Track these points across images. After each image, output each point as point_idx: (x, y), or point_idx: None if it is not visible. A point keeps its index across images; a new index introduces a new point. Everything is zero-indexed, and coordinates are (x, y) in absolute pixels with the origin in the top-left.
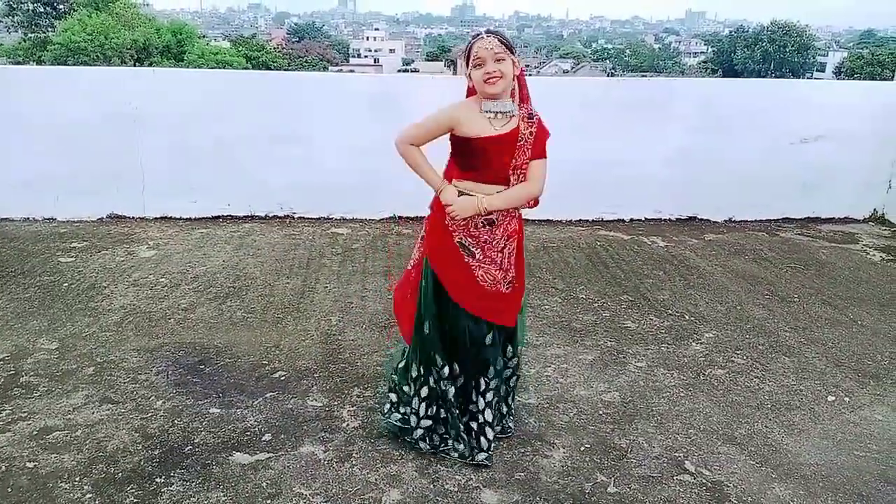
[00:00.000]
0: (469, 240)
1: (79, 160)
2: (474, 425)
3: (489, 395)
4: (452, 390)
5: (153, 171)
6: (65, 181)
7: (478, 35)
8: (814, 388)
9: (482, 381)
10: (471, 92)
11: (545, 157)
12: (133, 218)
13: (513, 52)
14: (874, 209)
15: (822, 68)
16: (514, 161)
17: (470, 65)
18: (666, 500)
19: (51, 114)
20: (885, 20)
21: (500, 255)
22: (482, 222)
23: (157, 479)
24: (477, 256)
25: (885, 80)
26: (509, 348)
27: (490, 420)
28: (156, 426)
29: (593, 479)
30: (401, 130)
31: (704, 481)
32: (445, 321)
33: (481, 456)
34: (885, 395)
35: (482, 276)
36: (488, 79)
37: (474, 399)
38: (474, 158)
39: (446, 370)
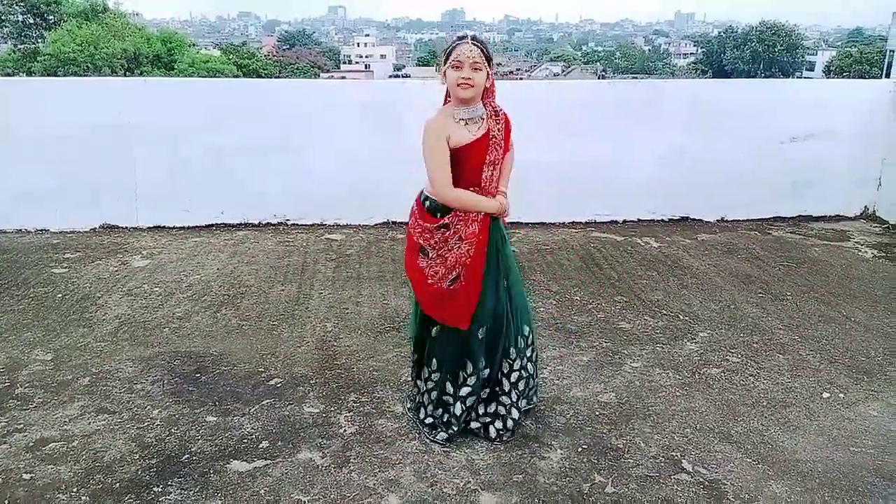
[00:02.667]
0: (424, 241)
1: (71, 170)
2: (501, 409)
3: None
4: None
5: (146, 180)
6: (57, 192)
7: (463, 38)
8: (808, 386)
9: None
10: (447, 97)
11: (512, 148)
12: (126, 228)
13: (490, 64)
14: (865, 206)
15: (811, 67)
16: (487, 157)
17: (447, 64)
18: (664, 500)
19: (42, 125)
20: (873, 19)
21: (449, 254)
22: (436, 227)
23: (155, 489)
24: (430, 256)
25: (873, 77)
26: (518, 338)
27: (514, 401)
28: (152, 435)
29: (591, 479)
30: (437, 186)
31: (702, 480)
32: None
33: (441, 436)
34: (879, 391)
35: (430, 274)
36: (461, 83)
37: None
38: (454, 169)
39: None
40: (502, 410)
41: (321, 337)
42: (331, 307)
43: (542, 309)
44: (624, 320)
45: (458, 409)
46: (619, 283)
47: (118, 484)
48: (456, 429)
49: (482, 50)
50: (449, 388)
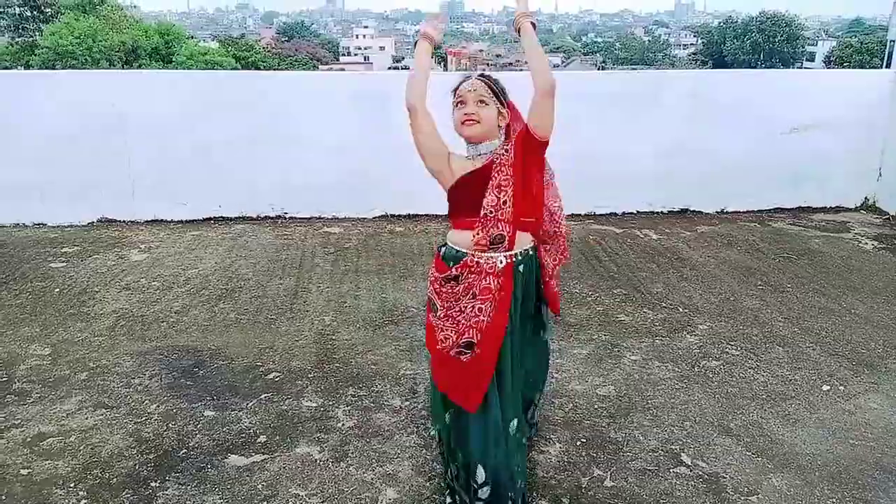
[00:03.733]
0: (434, 294)
1: (68, 164)
2: None
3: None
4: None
5: (143, 174)
6: (55, 186)
7: (468, 77)
8: (808, 378)
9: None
10: None
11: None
12: (123, 222)
13: (501, 100)
14: (865, 197)
15: (811, 57)
16: (491, 182)
17: (453, 103)
18: (663, 493)
19: (38, 118)
20: (873, 9)
21: (460, 314)
22: (443, 279)
23: (153, 484)
24: (439, 314)
25: (874, 68)
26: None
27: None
28: (150, 430)
29: (590, 473)
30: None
31: (701, 473)
32: None
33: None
34: (879, 382)
35: (441, 339)
36: (465, 120)
37: None
38: (455, 200)
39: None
40: None
41: (319, 331)
42: (329, 301)
43: None
44: (623, 313)
45: None
46: (618, 276)
47: (115, 479)
48: None
49: (489, 84)
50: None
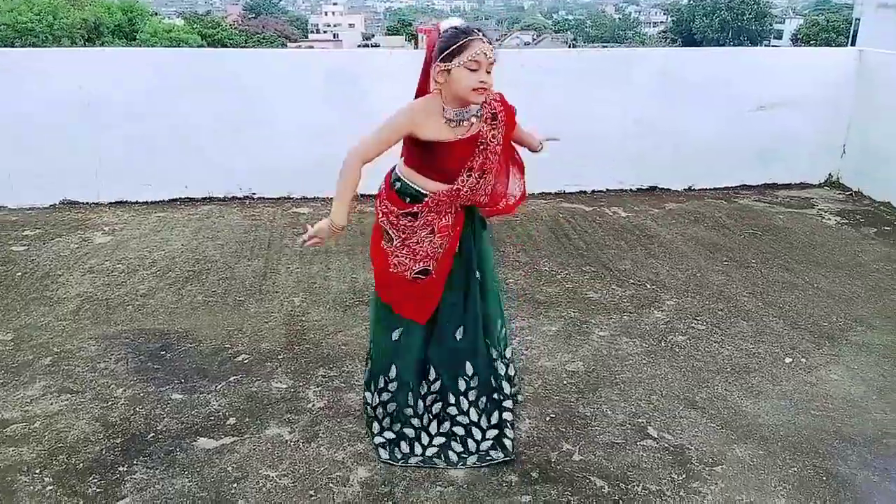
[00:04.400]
0: (389, 225)
1: (29, 145)
2: (459, 430)
3: (471, 395)
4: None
5: (107, 154)
6: (15, 168)
7: (471, 32)
8: (772, 351)
9: (460, 382)
10: (421, 88)
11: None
12: (87, 204)
13: None
14: (829, 174)
15: (779, 35)
16: (470, 163)
17: (459, 62)
18: (630, 466)
19: None
20: None
21: (418, 245)
22: (402, 213)
23: (120, 468)
24: (395, 243)
25: (839, 46)
26: (491, 347)
27: (476, 420)
28: (117, 415)
29: (559, 448)
30: (356, 143)
31: (667, 445)
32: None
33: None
34: (839, 355)
35: (394, 263)
36: (478, 88)
37: (452, 401)
38: (426, 156)
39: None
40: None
41: (289, 312)
42: (298, 282)
43: (510, 280)
44: (592, 290)
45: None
46: (587, 253)
47: (82, 464)
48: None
49: (493, 48)
50: (410, 399)
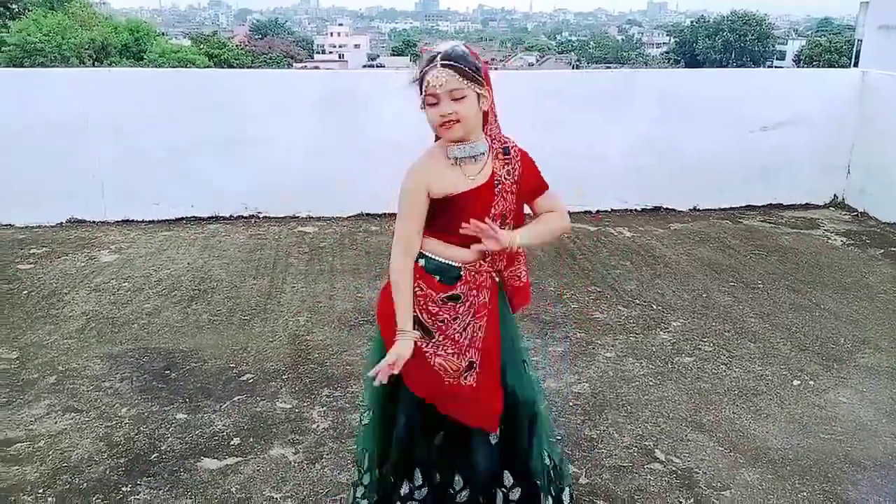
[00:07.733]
0: (426, 317)
1: (36, 164)
2: None
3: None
4: None
5: (113, 173)
6: (23, 186)
7: (432, 60)
8: (779, 373)
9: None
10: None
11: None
12: (93, 222)
13: (479, 80)
14: (834, 194)
15: (781, 56)
16: (492, 210)
17: (422, 101)
18: (637, 489)
19: (5, 116)
20: (842, 9)
21: (462, 335)
22: (443, 298)
23: (124, 489)
24: (435, 339)
25: (842, 66)
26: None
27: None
28: (121, 434)
29: None
30: (393, 250)
31: (674, 469)
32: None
33: None
34: (848, 377)
35: (439, 364)
36: (444, 123)
37: None
38: (444, 217)
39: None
40: None
41: (294, 331)
42: (304, 301)
43: None
44: (597, 310)
45: None
46: (592, 273)
47: (85, 484)
48: None
49: (460, 70)
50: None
